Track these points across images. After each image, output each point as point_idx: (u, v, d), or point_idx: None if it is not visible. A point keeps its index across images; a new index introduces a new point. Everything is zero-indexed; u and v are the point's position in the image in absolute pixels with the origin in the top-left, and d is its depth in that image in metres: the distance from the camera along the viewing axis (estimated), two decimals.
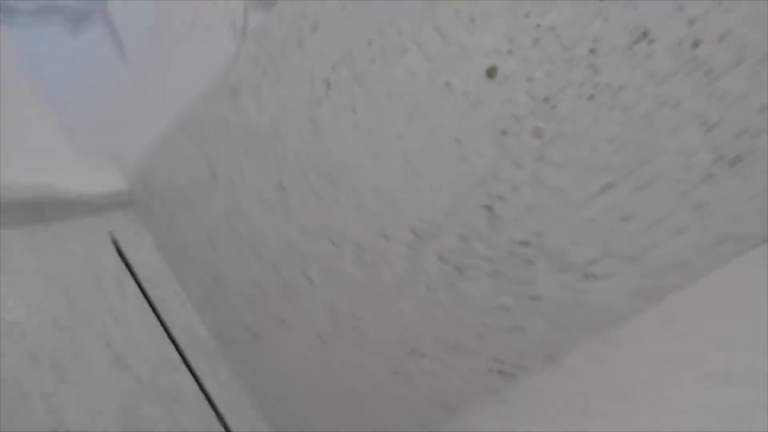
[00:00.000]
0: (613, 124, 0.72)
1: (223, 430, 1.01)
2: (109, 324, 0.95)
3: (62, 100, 1.17)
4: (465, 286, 0.85)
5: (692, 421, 0.67)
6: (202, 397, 1.01)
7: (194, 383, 1.02)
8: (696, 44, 0.67)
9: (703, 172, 0.69)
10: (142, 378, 0.92)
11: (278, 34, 0.91)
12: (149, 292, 1.04)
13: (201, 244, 1.08)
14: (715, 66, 0.66)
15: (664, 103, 0.69)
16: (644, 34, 0.69)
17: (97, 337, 0.91)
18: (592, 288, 0.77)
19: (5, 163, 0.96)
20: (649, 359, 0.71)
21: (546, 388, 0.81)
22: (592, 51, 0.71)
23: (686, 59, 0.67)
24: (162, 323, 1.02)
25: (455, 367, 0.88)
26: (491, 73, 0.78)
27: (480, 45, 0.77)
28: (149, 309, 1.03)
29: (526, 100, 0.76)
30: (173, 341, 1.02)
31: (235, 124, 0.99)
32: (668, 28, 0.67)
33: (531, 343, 0.82)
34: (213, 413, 1.01)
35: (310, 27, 0.88)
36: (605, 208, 0.74)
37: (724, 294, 0.71)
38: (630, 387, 0.69)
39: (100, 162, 1.12)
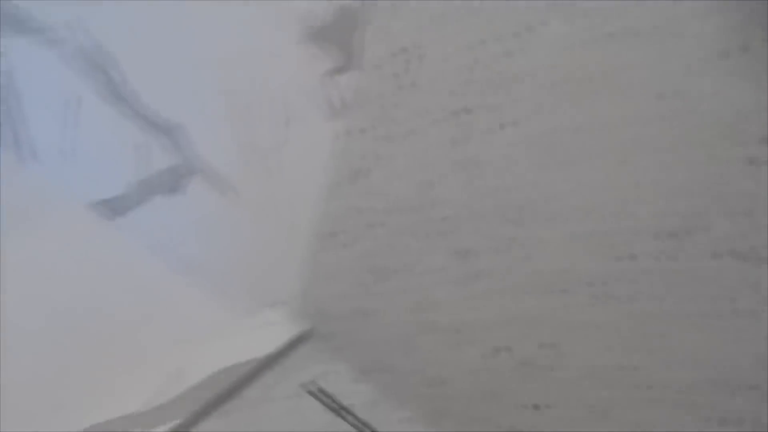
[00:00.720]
0: None
1: None
2: None
3: (198, 267, 1.08)
4: None
5: None
6: None
7: None
8: None
9: None
10: None
11: (382, 87, 0.74)
12: (377, 428, 0.89)
13: (399, 350, 0.91)
14: None
15: None
16: None
17: None
18: None
19: (187, 360, 0.87)
20: None
21: None
22: None
23: None
24: None
25: None
26: None
27: None
28: None
29: None
30: None
31: (373, 209, 0.82)
32: None
33: None
34: None
35: (417, 58, 0.70)
36: None
37: None
38: None
39: (264, 313, 1.01)
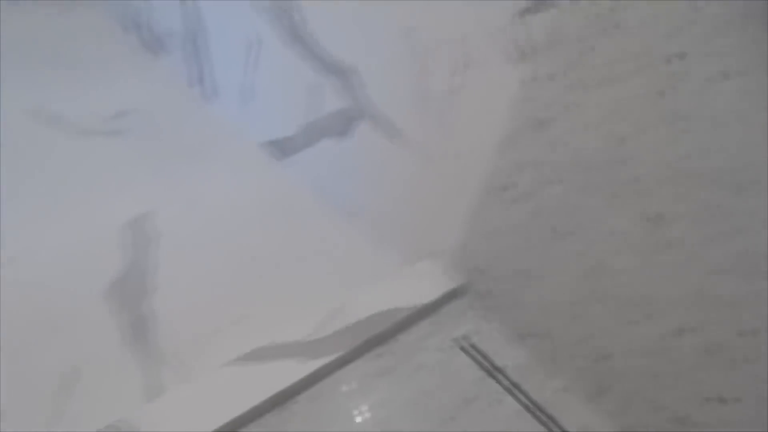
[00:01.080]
0: None
1: None
2: None
3: (360, 211, 1.09)
4: None
5: None
6: None
7: None
8: None
9: None
10: None
11: (581, 29, 0.67)
12: (528, 394, 0.85)
13: (562, 317, 0.85)
14: None
15: None
16: None
17: None
18: None
19: (346, 300, 0.89)
20: None
21: None
22: None
23: None
24: (558, 429, 0.81)
25: None
26: None
27: None
28: (527, 411, 0.83)
29: None
30: None
31: (553, 164, 0.76)
32: None
33: None
34: None
35: None
36: None
37: None
38: None
39: (421, 264, 1.00)
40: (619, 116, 0.68)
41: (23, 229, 0.97)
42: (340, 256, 1.05)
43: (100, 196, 1.06)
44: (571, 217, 0.77)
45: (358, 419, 0.78)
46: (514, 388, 0.87)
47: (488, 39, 0.77)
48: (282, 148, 1.22)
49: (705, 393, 0.73)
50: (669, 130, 0.64)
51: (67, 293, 0.88)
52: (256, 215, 1.10)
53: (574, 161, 0.74)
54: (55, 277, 0.90)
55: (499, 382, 0.87)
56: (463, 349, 0.90)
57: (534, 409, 0.84)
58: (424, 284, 0.96)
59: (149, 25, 1.48)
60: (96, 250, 0.95)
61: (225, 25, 1.24)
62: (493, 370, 0.88)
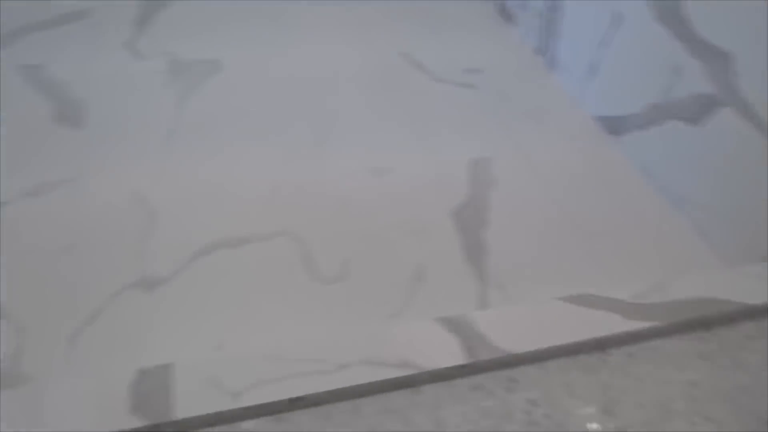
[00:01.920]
0: None
1: None
2: None
3: (686, 197, 1.07)
4: None
5: None
6: None
7: None
8: None
9: None
10: None
11: None
12: None
13: None
14: None
15: None
16: None
17: None
18: None
19: (665, 278, 0.90)
20: None
21: None
22: None
23: None
24: None
25: None
26: None
27: None
28: None
29: None
30: None
31: None
32: None
33: None
34: None
35: None
36: None
37: None
38: None
39: (752, 266, 0.95)
40: None
41: (391, 146, 1.18)
42: (663, 237, 1.05)
43: (450, 133, 1.23)
44: None
45: (671, 387, 0.79)
46: None
47: None
48: (619, 125, 1.24)
49: None
50: None
51: (423, 206, 1.05)
52: (582, 183, 1.15)
53: None
54: (415, 190, 1.08)
55: None
56: None
57: None
58: (756, 286, 0.91)
59: None
60: (446, 176, 1.12)
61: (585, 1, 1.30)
62: None
